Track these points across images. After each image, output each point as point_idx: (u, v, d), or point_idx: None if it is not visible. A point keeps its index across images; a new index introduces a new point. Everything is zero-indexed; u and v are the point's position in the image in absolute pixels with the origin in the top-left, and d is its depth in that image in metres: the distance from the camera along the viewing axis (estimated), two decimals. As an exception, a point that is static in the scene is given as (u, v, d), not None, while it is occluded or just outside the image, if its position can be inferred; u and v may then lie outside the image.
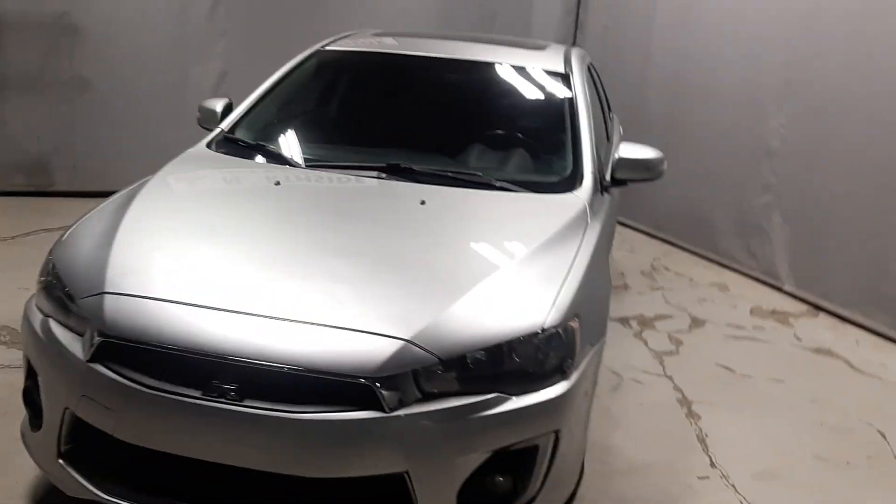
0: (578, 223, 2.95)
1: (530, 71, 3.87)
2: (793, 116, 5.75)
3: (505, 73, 3.87)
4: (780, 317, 5.34)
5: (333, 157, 3.38)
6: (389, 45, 4.11)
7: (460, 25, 7.55)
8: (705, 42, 6.50)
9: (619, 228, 7.25)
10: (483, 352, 2.29)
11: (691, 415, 3.83)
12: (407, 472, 2.21)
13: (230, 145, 3.43)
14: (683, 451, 3.49)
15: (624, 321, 4.98)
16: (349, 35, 4.26)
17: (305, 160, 3.29)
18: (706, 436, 3.63)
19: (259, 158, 3.30)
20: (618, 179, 3.52)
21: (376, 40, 4.18)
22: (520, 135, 3.67)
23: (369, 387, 2.16)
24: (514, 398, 2.30)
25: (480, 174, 3.22)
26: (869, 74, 5.09)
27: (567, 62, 3.95)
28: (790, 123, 5.78)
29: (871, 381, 4.44)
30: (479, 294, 2.42)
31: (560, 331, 2.41)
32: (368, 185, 3.06)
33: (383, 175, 3.15)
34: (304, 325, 2.23)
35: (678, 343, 4.72)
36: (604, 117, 4.41)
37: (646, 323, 4.99)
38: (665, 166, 3.61)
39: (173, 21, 6.68)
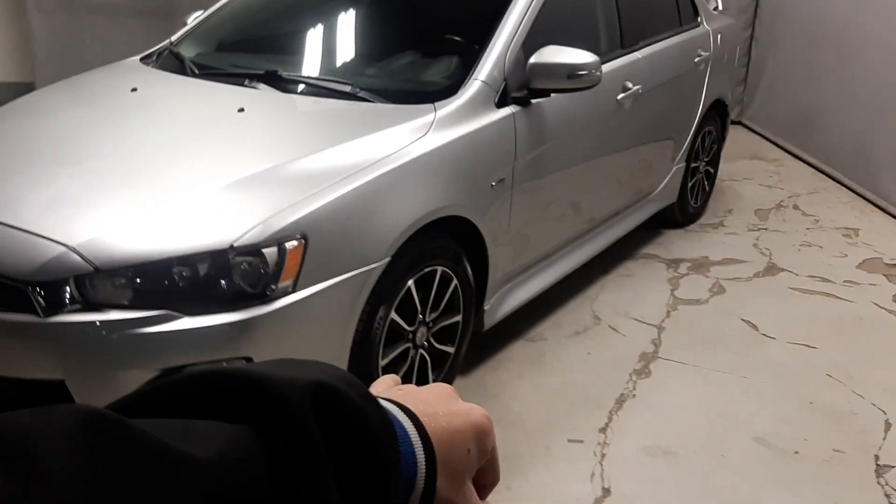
0: (401, 137, 2.58)
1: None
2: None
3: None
4: (899, 273, 4.27)
5: (230, 64, 3.26)
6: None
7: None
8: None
9: (785, 159, 6.23)
10: (155, 265, 2.14)
11: (641, 372, 3.23)
12: (64, 381, 2.16)
13: (165, 58, 3.47)
14: (583, 409, 2.96)
15: (673, 263, 4.29)
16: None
17: (200, 68, 3.22)
18: (631, 396, 3.05)
19: (164, 69, 3.30)
20: (535, 90, 3.01)
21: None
22: (446, 37, 3.25)
23: (23, 289, 2.13)
24: (186, 318, 2.13)
25: (348, 83, 2.92)
26: None
27: None
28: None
29: (951, 360, 3.40)
30: (183, 204, 2.24)
31: (263, 251, 2.17)
32: (210, 92, 2.93)
33: (254, 83, 3.00)
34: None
35: (718, 292, 3.98)
36: (618, 20, 3.74)
37: (700, 266, 4.26)
38: (598, 73, 3.01)
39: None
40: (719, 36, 4.68)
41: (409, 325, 2.65)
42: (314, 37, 3.42)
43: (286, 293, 2.20)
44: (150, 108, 2.85)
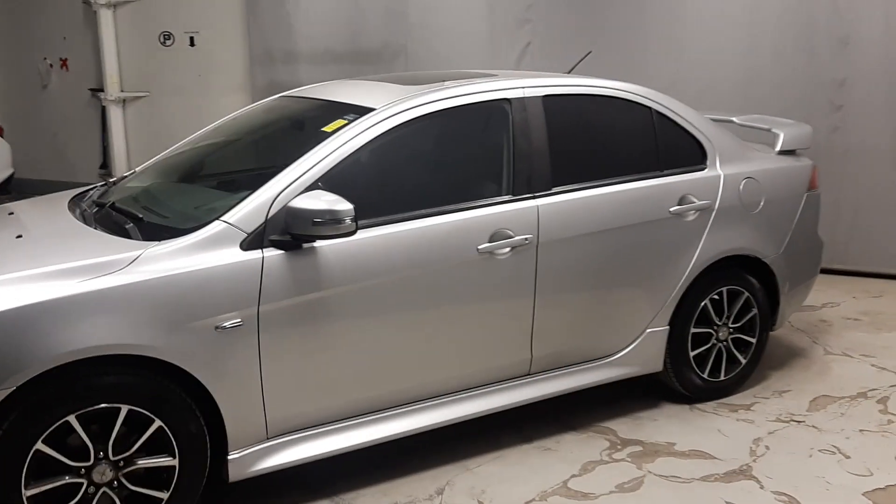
0: (86, 271, 2.54)
1: (338, 108, 3.23)
2: None
3: (327, 111, 3.31)
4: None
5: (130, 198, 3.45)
6: (307, 90, 3.86)
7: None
8: None
9: None
10: None
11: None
12: None
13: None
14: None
15: (620, 445, 3.45)
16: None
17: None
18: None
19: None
20: (298, 235, 2.75)
21: (321, 85, 3.94)
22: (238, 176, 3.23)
23: None
24: None
25: (138, 215, 2.96)
26: None
27: (395, 101, 3.13)
28: None
29: None
30: None
31: None
32: (43, 221, 3.17)
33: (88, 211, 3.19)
34: None
35: (628, 489, 3.10)
36: (522, 164, 3.22)
37: (648, 455, 3.37)
38: (349, 221, 2.68)
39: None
40: (743, 182, 3.76)
41: (81, 461, 2.54)
42: (180, 171, 3.55)
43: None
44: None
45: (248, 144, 3.65)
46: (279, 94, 3.98)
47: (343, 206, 2.69)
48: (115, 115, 8.60)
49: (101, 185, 3.66)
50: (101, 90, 8.51)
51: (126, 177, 3.72)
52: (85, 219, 3.09)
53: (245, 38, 8.07)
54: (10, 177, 8.21)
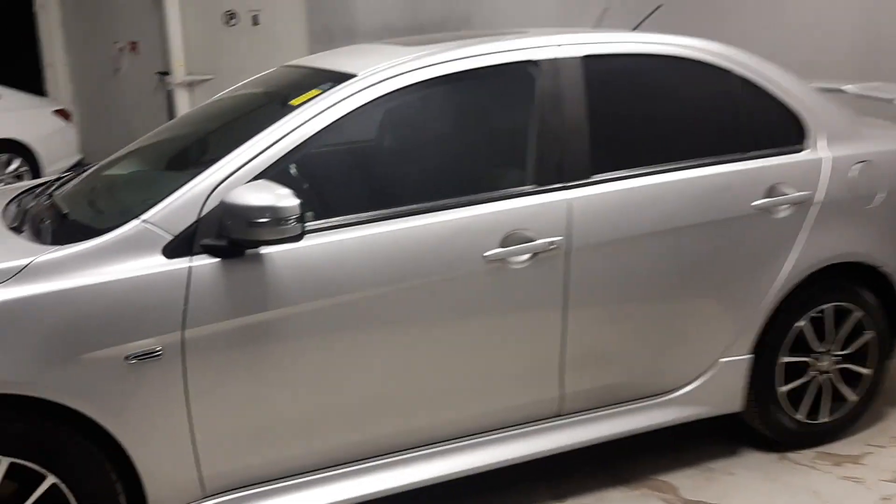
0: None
1: (321, 76, 2.53)
2: None
3: (309, 78, 2.61)
4: None
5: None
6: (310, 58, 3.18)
7: None
8: None
9: None
10: None
11: None
12: None
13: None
14: None
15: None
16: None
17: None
18: None
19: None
20: (235, 240, 2.08)
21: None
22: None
23: None
24: None
25: (80, 213, 2.37)
26: None
27: (381, 66, 2.41)
28: None
29: None
30: None
31: None
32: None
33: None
34: None
35: None
36: (547, 148, 2.44)
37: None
38: (291, 216, 1.99)
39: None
40: (856, 168, 2.85)
41: (-50, 525, 1.98)
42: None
43: None
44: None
45: (227, 125, 3.01)
46: (284, 64, 3.35)
47: (287, 201, 2.01)
48: (182, 99, 8.25)
49: (65, 175, 3.11)
50: (168, 73, 8.18)
51: (102, 165, 3.16)
52: (13, 217, 2.53)
53: (305, 15, 7.56)
54: (79, 163, 8.01)
